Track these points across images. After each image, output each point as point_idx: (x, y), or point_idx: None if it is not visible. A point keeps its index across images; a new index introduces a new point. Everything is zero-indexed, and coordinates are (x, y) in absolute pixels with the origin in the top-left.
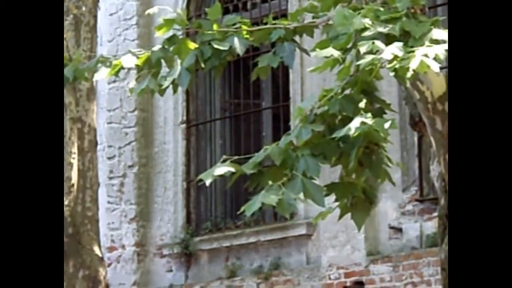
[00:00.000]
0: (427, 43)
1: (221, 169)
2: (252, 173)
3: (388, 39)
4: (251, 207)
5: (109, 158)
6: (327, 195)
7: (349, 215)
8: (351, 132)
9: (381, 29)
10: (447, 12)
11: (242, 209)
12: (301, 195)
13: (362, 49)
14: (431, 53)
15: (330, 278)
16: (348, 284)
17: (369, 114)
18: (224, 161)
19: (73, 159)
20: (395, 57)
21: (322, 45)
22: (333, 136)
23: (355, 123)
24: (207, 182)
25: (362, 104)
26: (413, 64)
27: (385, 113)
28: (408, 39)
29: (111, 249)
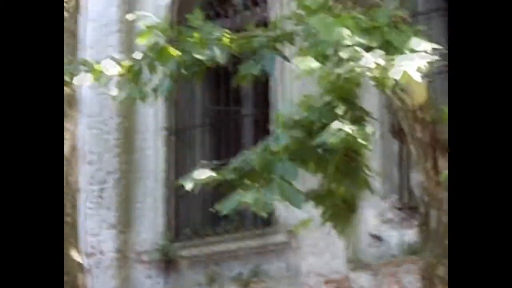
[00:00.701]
0: (407, 52)
1: (202, 174)
2: (231, 179)
3: (369, 49)
4: (227, 205)
5: (89, 164)
6: (307, 201)
7: (328, 222)
8: (330, 139)
9: (361, 39)
10: (428, 22)
11: (217, 207)
12: (278, 198)
13: (344, 55)
14: (413, 63)
15: (309, 286)
16: None
17: (348, 121)
18: (203, 166)
19: None
20: (377, 65)
21: (302, 53)
22: (313, 143)
23: (333, 128)
24: (188, 187)
25: (340, 111)
26: (395, 75)
27: (365, 120)
28: (389, 48)
29: (90, 255)
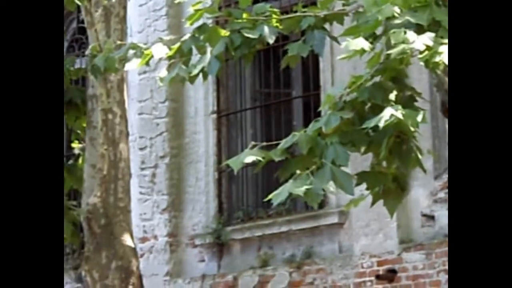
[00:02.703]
0: None
1: (249, 156)
2: (282, 161)
3: (418, 28)
4: (278, 196)
5: (140, 149)
6: (358, 184)
7: (381, 203)
8: (381, 124)
9: (410, 17)
10: None
11: (269, 197)
12: (330, 184)
13: (393, 39)
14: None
15: (362, 267)
16: (381, 272)
17: (400, 106)
18: (253, 147)
19: (104, 150)
20: (427, 47)
21: (351, 31)
22: (363, 126)
23: (386, 114)
24: (235, 170)
25: (392, 96)
26: (445, 57)
27: (416, 100)
28: (438, 29)
29: (143, 239)
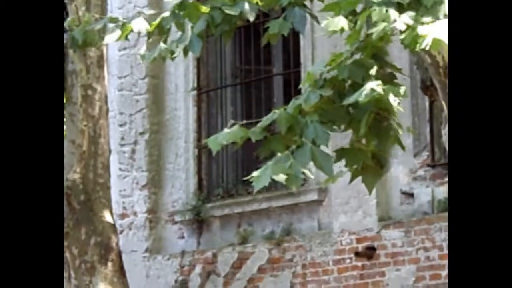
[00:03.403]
0: (440, 15)
1: (228, 136)
2: (261, 139)
3: (398, 6)
4: (259, 181)
5: (120, 125)
6: (337, 161)
7: (360, 180)
8: (361, 99)
9: None
10: None
11: (250, 179)
12: (310, 165)
13: (374, 17)
14: (443, 27)
15: (342, 244)
16: (359, 249)
17: (380, 81)
18: (232, 125)
19: (84, 126)
20: (408, 27)
21: (331, 7)
22: (343, 103)
23: (366, 89)
24: (214, 151)
25: (373, 71)
26: (426, 41)
27: (396, 78)
28: (419, 8)
29: (123, 216)
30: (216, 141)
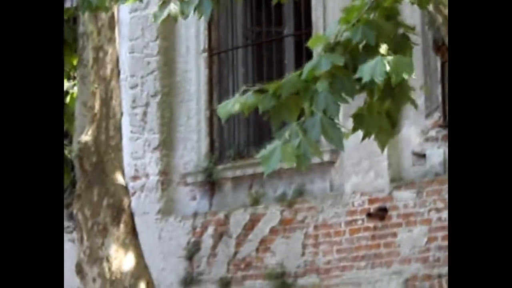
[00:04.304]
0: None
1: (236, 104)
2: (270, 107)
3: None
4: (269, 164)
5: (131, 88)
6: (356, 125)
7: (372, 141)
8: (371, 77)
9: None
10: None
11: (259, 159)
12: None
13: None
14: None
15: (353, 205)
16: (371, 210)
17: (389, 58)
18: (244, 92)
19: (95, 88)
20: None
21: None
22: (355, 76)
23: (378, 63)
24: (223, 120)
25: (383, 50)
26: None
27: (409, 38)
28: None
29: (134, 178)
30: (226, 109)
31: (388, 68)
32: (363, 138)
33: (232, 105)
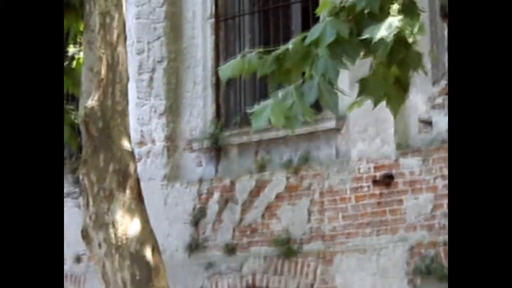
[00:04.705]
0: None
1: (236, 67)
2: (272, 70)
3: None
4: (258, 120)
5: (138, 53)
6: (361, 90)
7: (378, 108)
8: (381, 34)
9: None
10: None
11: (250, 115)
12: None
13: None
14: None
15: (359, 172)
16: (377, 177)
17: (399, 17)
18: (244, 56)
19: (102, 53)
20: None
21: None
22: (362, 37)
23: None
24: (223, 80)
25: (393, 10)
26: None
27: (415, 5)
28: None
29: (141, 144)
30: (227, 71)
31: (399, 24)
32: (375, 105)
33: (233, 67)
